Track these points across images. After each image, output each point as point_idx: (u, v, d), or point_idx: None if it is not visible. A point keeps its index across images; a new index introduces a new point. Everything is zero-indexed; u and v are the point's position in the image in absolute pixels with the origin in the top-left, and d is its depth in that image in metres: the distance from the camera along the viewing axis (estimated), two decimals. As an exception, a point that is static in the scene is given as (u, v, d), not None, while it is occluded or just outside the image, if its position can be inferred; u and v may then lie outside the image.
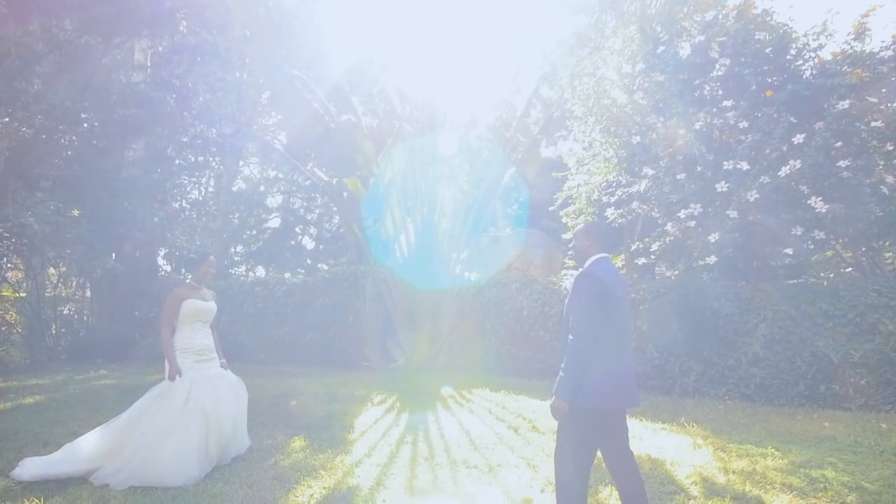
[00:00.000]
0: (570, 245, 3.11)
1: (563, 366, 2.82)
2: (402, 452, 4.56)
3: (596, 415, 2.84)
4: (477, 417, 5.94)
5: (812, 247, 8.08)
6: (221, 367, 4.48)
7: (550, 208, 12.81)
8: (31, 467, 3.88)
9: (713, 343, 8.02)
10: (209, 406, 4.04)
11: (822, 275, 11.00)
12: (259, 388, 7.91)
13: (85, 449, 4.03)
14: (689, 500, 3.66)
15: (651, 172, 7.46)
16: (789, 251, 7.14)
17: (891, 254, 10.61)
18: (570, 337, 2.83)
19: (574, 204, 10.91)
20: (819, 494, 3.79)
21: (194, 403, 4.00)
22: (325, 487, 3.68)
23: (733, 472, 4.24)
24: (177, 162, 13.11)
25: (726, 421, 6.31)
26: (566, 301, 3.04)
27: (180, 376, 4.07)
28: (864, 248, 8.85)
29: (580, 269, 3.08)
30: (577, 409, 2.81)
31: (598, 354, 2.83)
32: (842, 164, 7.13)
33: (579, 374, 2.78)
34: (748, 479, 4.04)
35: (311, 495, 3.53)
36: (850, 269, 10.46)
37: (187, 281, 4.56)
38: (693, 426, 5.97)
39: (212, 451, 4.05)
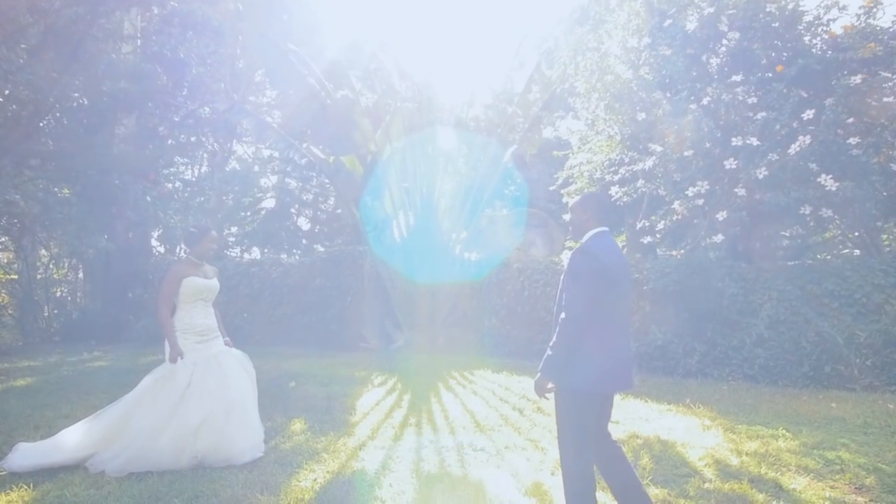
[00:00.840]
0: (567, 219, 2.91)
1: (551, 343, 2.68)
2: (407, 435, 4.43)
3: (592, 398, 2.71)
4: (480, 399, 5.82)
5: (813, 225, 7.95)
6: (226, 345, 4.24)
7: (550, 188, 12.65)
8: (24, 456, 3.67)
9: (717, 324, 7.93)
10: (213, 384, 3.83)
11: (819, 256, 10.97)
12: (256, 369, 7.68)
13: (80, 435, 3.83)
14: (705, 482, 3.55)
15: (658, 149, 7.27)
16: (786, 233, 7.02)
17: (887, 235, 10.52)
18: (562, 315, 2.68)
19: (575, 183, 10.75)
20: (836, 477, 3.69)
21: (196, 388, 3.78)
22: (328, 471, 3.54)
23: (746, 454, 4.14)
24: (169, 142, 12.83)
25: (732, 402, 6.22)
26: (561, 277, 2.88)
27: (182, 358, 3.85)
28: (862, 230, 8.72)
29: (578, 245, 2.90)
30: (573, 392, 2.69)
31: (595, 335, 2.68)
32: (851, 141, 6.97)
33: (567, 354, 2.65)
34: (762, 461, 3.94)
35: (315, 480, 3.39)
36: (847, 250, 10.41)
37: (186, 257, 4.25)
38: (700, 407, 5.87)
39: (212, 434, 3.79)
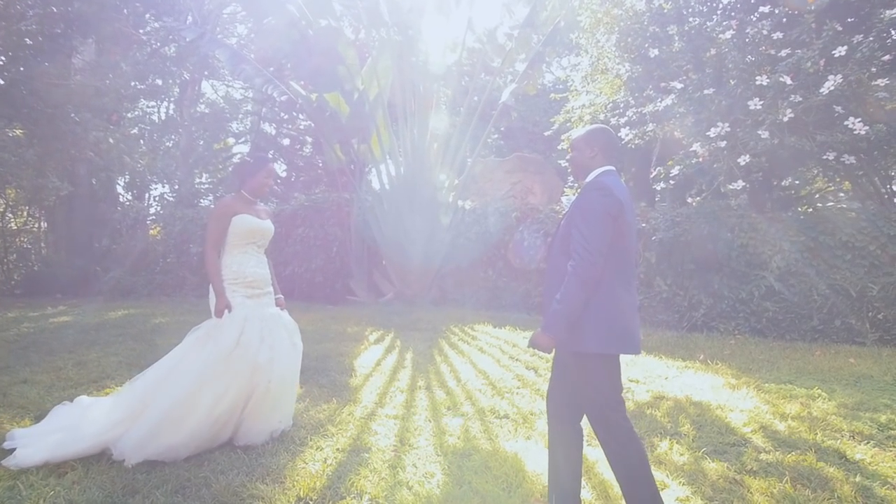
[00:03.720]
0: (568, 157, 2.33)
1: (559, 296, 2.22)
2: (419, 401, 3.95)
3: (602, 360, 2.31)
4: (489, 357, 5.37)
5: (832, 173, 7.54)
6: (277, 304, 3.47)
7: (546, 133, 11.99)
8: (33, 451, 2.85)
9: (724, 276, 7.62)
10: (263, 356, 3.12)
11: (819, 205, 10.72)
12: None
13: (104, 413, 3.11)
14: (760, 453, 3.17)
15: (679, 86, 6.67)
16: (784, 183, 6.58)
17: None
18: (571, 263, 2.22)
19: (574, 127, 10.10)
20: (897, 443, 3.36)
21: (244, 349, 3.08)
22: (338, 449, 3.03)
23: (791, 419, 3.79)
24: (133, 84, 11.72)
25: (747, 358, 5.94)
26: (561, 222, 2.44)
27: (230, 311, 3.12)
28: (877, 178, 8.36)
29: (585, 184, 2.42)
30: (581, 354, 2.28)
31: (606, 288, 2.25)
32: (879, 82, 6.46)
33: (579, 308, 2.22)
34: (813, 427, 3.59)
35: (325, 460, 2.86)
36: (842, 203, 10.15)
37: (237, 193, 3.39)
38: (717, 363, 5.56)
39: (243, 415, 3.12)
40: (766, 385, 4.72)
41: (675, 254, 7.78)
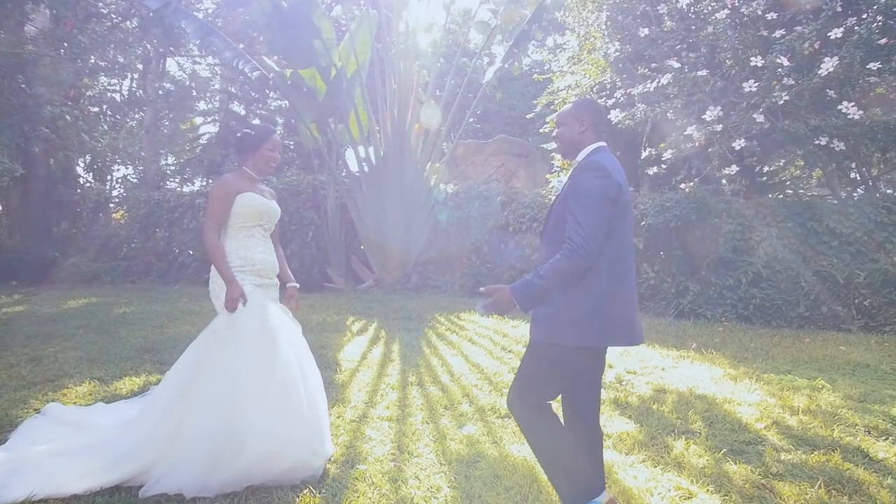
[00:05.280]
0: (554, 134, 2.06)
1: (542, 272, 2.02)
2: (412, 399, 3.66)
3: (588, 352, 2.14)
4: (480, 349, 5.12)
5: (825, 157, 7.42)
6: (290, 294, 3.02)
7: (528, 116, 11.71)
8: (21, 482, 2.33)
9: (712, 262, 7.53)
10: (286, 356, 2.60)
11: (801, 192, 10.75)
12: (212, 314, 6.76)
13: (111, 451, 2.56)
14: (780, 453, 2.99)
15: (675, 65, 6.44)
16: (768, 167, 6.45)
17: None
18: (566, 249, 2.01)
19: (558, 109, 9.82)
20: (915, 439, 3.22)
21: (269, 335, 2.59)
22: (331, 461, 2.72)
23: (801, 413, 3.64)
24: (92, 60, 10.99)
25: (739, 346, 5.84)
26: (553, 206, 2.21)
27: (245, 304, 2.64)
28: (864, 167, 8.36)
29: (577, 163, 2.20)
30: (567, 348, 2.07)
31: (603, 276, 2.04)
32: (872, 66, 6.35)
33: (556, 289, 2.03)
34: (826, 422, 3.44)
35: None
36: (813, 190, 10.17)
37: (239, 169, 2.92)
38: (711, 352, 5.43)
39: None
40: (766, 375, 4.59)
41: (663, 240, 7.66)
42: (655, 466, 2.82)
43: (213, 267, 2.78)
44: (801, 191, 11.66)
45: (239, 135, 2.90)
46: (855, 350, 5.64)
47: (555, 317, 2.06)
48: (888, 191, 8.55)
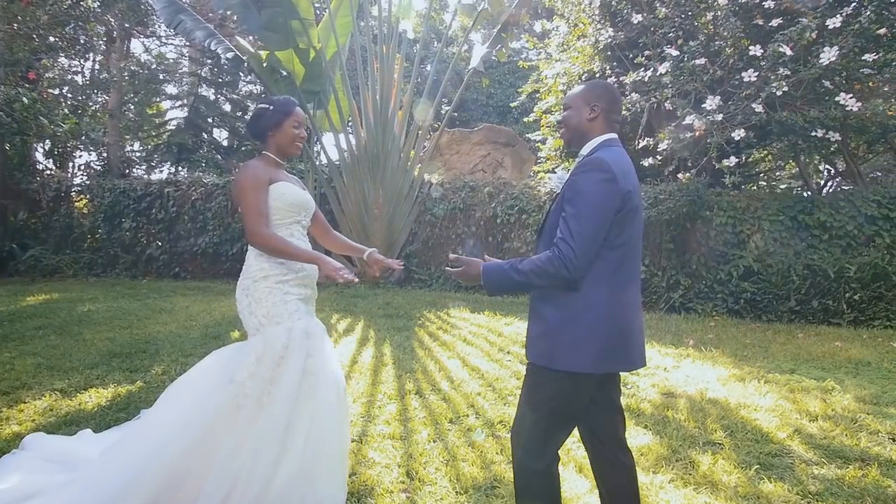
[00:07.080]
0: (560, 118, 1.77)
1: (521, 267, 1.77)
2: (414, 412, 3.36)
3: (588, 380, 1.83)
4: (477, 349, 4.85)
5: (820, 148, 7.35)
6: (374, 260, 2.56)
7: (512, 104, 11.42)
8: None
9: (703, 256, 7.42)
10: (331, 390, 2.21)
11: (763, 184, 10.73)
12: (185, 312, 6.37)
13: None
14: (811, 466, 2.80)
15: (674, 53, 6.22)
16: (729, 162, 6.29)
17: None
18: (551, 253, 1.77)
19: (544, 98, 9.53)
20: (943, 448, 3.08)
21: (315, 378, 2.18)
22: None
23: (820, 419, 3.48)
24: (51, 39, 10.28)
25: (735, 342, 5.72)
26: (551, 206, 1.94)
27: (354, 280, 2.23)
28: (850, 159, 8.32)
29: (581, 158, 1.91)
30: (563, 375, 1.78)
31: (601, 292, 1.77)
32: (868, 57, 6.25)
33: (526, 289, 1.84)
34: (848, 430, 3.28)
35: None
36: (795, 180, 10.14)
37: (263, 154, 2.36)
38: (709, 350, 5.29)
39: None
40: (771, 375, 4.45)
41: (655, 233, 7.51)
42: (686, 486, 2.60)
43: (242, 281, 2.31)
44: (774, 182, 11.74)
45: (254, 112, 2.39)
46: (851, 346, 5.56)
47: (546, 336, 1.80)
48: (873, 183, 8.51)
